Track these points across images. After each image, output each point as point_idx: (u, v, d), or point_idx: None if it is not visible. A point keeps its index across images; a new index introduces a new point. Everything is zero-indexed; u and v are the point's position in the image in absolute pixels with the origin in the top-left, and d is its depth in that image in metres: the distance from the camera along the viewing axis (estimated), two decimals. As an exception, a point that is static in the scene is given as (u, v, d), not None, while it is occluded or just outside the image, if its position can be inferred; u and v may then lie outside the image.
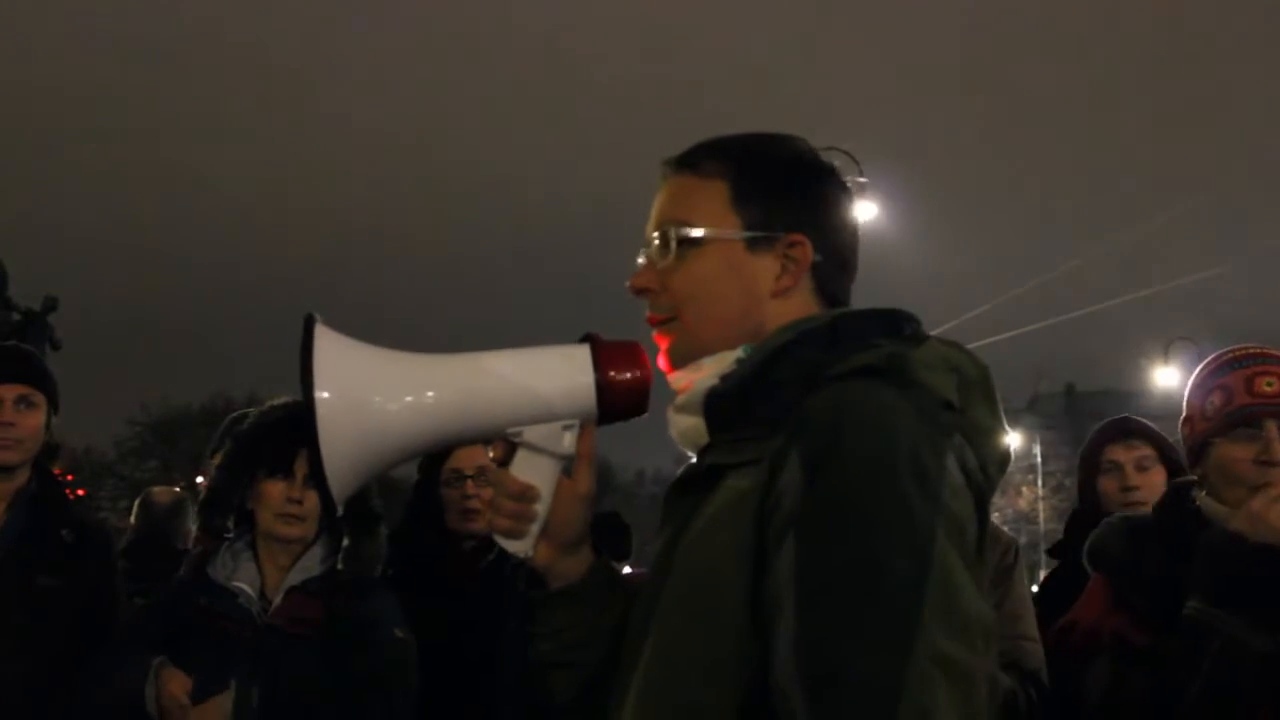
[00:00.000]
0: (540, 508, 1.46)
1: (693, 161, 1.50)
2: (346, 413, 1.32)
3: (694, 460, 1.46)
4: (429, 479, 3.31)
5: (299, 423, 2.69)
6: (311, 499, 2.71)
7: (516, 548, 1.48)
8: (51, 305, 11.10)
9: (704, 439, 1.42)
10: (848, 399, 1.27)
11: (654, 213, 1.51)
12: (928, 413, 1.28)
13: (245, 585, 2.70)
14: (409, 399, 1.38)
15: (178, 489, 6.28)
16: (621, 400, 1.45)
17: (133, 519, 5.34)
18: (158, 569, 3.88)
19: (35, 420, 3.00)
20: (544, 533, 1.47)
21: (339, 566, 2.76)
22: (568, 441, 1.45)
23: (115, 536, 3.49)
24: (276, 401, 2.87)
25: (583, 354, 1.44)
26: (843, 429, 1.22)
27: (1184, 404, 2.35)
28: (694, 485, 1.39)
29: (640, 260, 1.52)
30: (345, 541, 2.78)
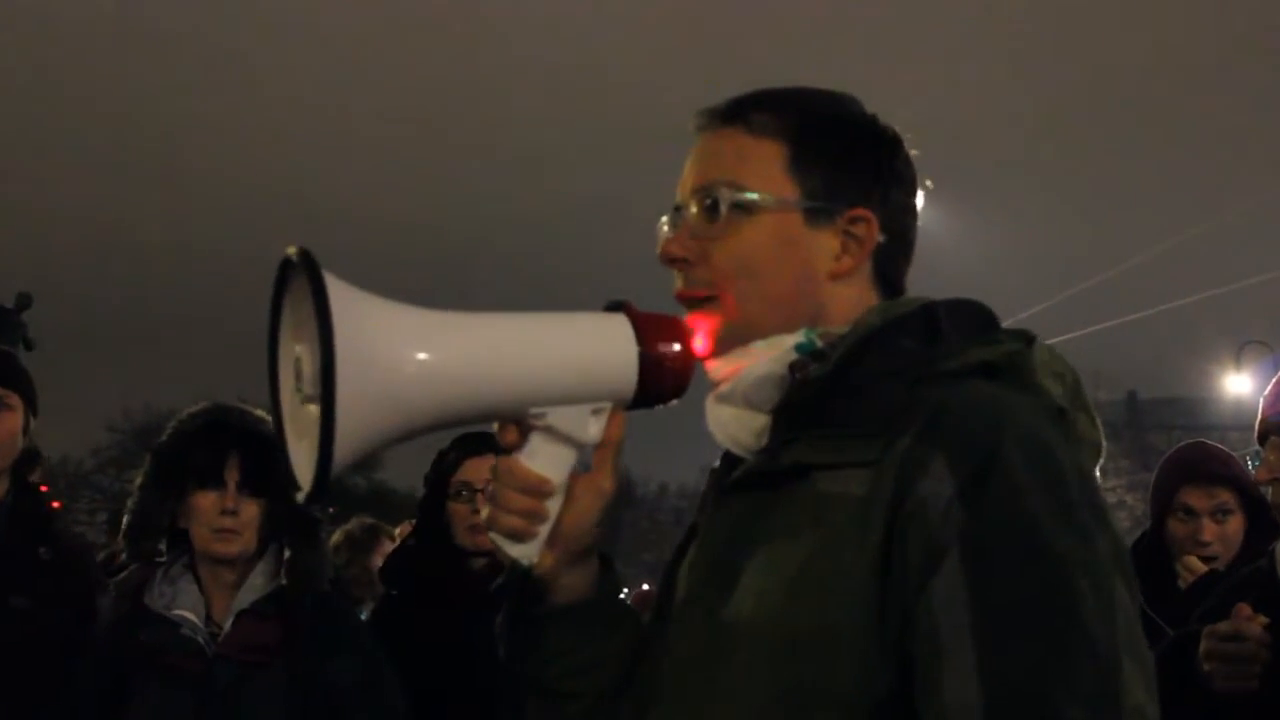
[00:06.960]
0: (553, 506, 1.31)
1: (742, 115, 1.37)
2: (364, 370, 1.12)
3: (731, 454, 1.37)
4: (436, 493, 3.32)
5: (225, 428, 2.72)
6: (248, 509, 2.66)
7: (520, 552, 1.32)
8: (25, 303, 11.10)
9: (749, 431, 1.32)
10: (985, 400, 1.20)
11: (692, 171, 1.38)
12: (1056, 423, 1.23)
13: (188, 613, 2.63)
14: (426, 359, 1.19)
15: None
16: (664, 380, 1.30)
17: (121, 537, 5.33)
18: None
19: (11, 423, 2.94)
20: (552, 537, 1.32)
21: (283, 582, 2.70)
22: (594, 428, 1.30)
23: (96, 553, 3.47)
24: (195, 409, 2.82)
25: (621, 323, 1.30)
26: (1002, 440, 1.15)
27: None
28: (760, 483, 1.28)
29: (663, 226, 1.40)
30: (286, 554, 2.73)
